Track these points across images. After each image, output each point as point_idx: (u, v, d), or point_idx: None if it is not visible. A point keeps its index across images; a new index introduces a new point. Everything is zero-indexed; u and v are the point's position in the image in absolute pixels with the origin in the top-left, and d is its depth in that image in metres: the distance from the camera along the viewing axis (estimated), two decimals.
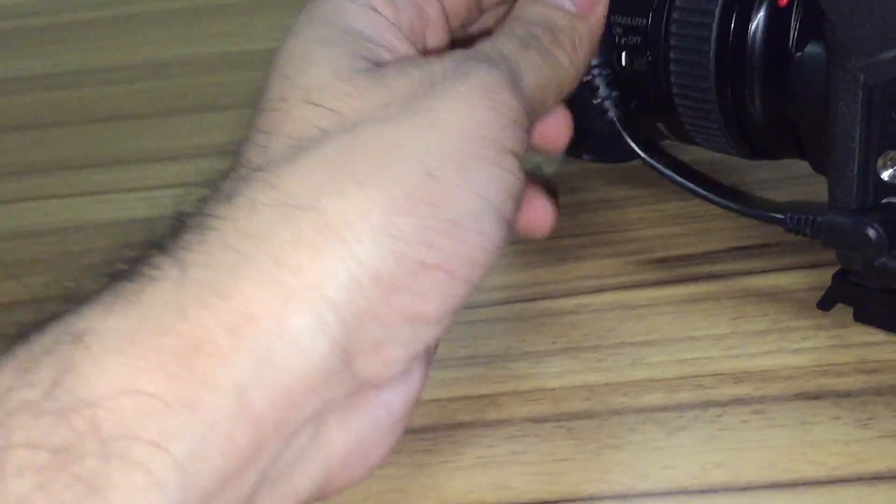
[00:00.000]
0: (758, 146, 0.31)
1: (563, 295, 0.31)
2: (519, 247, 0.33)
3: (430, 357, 0.25)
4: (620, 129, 0.27)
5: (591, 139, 0.35)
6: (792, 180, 0.34)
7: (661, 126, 0.33)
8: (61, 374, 0.18)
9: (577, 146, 0.36)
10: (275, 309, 0.19)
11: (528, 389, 0.27)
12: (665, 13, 0.30)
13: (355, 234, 0.20)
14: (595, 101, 0.27)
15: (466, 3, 0.27)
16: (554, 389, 0.27)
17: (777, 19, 0.28)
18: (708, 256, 0.32)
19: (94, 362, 0.18)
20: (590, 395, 0.27)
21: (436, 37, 0.26)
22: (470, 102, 0.22)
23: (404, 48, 0.24)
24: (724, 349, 0.28)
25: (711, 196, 0.29)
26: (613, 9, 0.31)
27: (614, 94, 0.27)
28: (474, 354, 0.29)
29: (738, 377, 0.27)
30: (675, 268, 0.32)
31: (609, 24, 0.32)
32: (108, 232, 0.39)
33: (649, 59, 0.31)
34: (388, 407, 0.22)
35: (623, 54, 0.31)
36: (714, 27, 0.29)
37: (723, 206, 0.29)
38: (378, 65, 0.23)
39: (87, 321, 0.19)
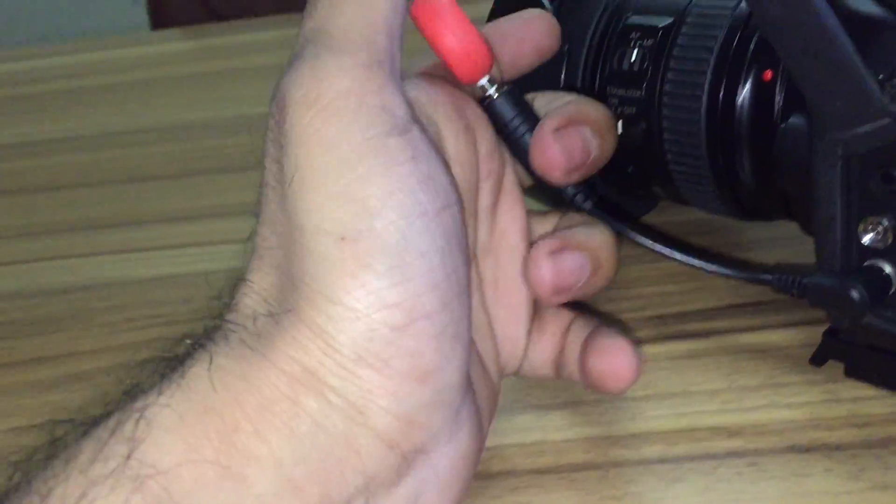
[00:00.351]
0: (749, 208, 0.33)
1: None
2: None
3: (483, 416, 0.25)
4: (599, 215, 0.28)
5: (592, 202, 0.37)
6: (784, 240, 0.36)
7: (657, 189, 0.35)
8: (131, 450, 0.20)
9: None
10: (286, 392, 0.21)
11: (532, 442, 0.29)
12: (658, 85, 0.32)
13: (323, 325, 0.21)
14: (567, 198, 0.28)
15: None
16: (556, 442, 0.29)
17: (762, 92, 0.30)
18: (704, 314, 0.33)
19: (153, 439, 0.21)
20: (591, 448, 0.28)
21: None
22: (300, 123, 0.22)
23: None
24: (720, 403, 0.29)
25: (702, 264, 0.30)
26: (610, 81, 0.33)
27: (583, 187, 0.28)
28: None
29: (732, 431, 0.28)
30: (673, 325, 0.33)
31: (605, 96, 0.34)
32: (131, 290, 0.41)
33: (644, 128, 0.33)
34: (435, 469, 0.23)
35: (619, 123, 0.33)
36: (704, 99, 0.31)
37: (714, 273, 0.30)
38: None
39: (143, 402, 0.21)
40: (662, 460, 0.27)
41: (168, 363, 0.23)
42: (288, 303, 0.22)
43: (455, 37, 0.25)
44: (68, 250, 0.45)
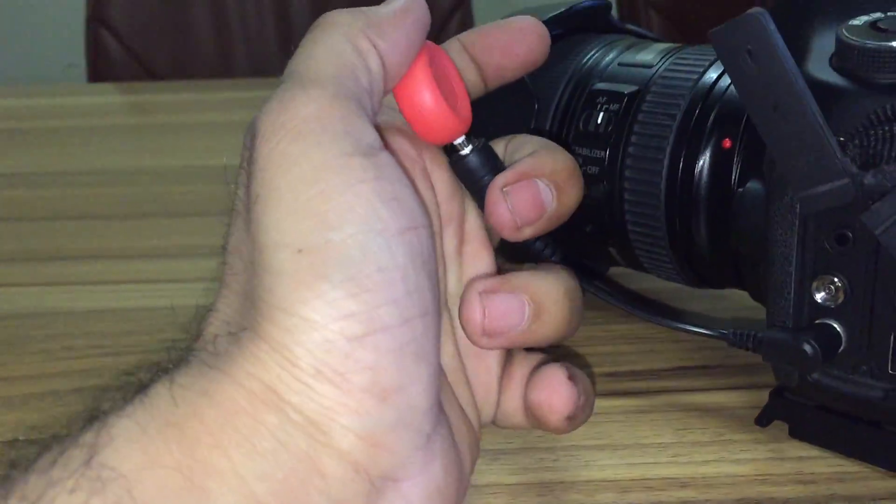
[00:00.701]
0: (702, 274, 0.34)
1: None
2: None
3: (464, 458, 0.25)
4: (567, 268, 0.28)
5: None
6: (730, 310, 0.37)
7: (613, 251, 0.36)
8: (92, 455, 0.20)
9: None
10: (247, 408, 0.21)
11: (485, 484, 0.28)
12: (621, 148, 0.33)
13: (281, 339, 0.21)
14: (534, 252, 0.29)
15: None
16: (510, 485, 0.28)
17: (721, 159, 0.31)
18: (654, 374, 0.34)
19: (114, 446, 0.20)
20: (545, 492, 0.28)
21: None
22: (284, 157, 0.22)
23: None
24: (671, 456, 0.30)
25: (660, 320, 0.31)
26: (575, 140, 0.35)
27: (550, 240, 0.29)
28: None
29: (684, 482, 0.28)
30: (624, 382, 0.34)
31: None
32: (70, 320, 0.39)
33: (605, 188, 0.34)
34: (406, 500, 0.22)
35: None
36: (665, 163, 0.32)
37: (671, 327, 0.31)
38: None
39: (105, 418, 0.21)
40: None
41: (131, 388, 0.22)
42: (247, 321, 0.22)
43: (423, 104, 0.25)
44: (5, 279, 0.43)
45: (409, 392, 0.22)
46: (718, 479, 0.28)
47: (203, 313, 0.23)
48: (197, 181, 0.57)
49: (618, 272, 0.41)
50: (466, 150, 0.27)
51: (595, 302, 0.39)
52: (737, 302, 0.37)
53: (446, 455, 0.23)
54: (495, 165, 0.28)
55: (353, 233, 0.21)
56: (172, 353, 0.23)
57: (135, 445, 0.20)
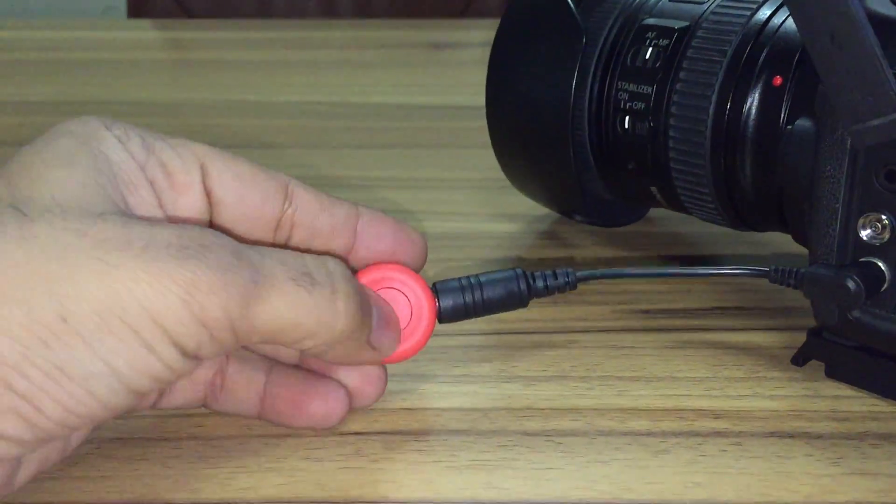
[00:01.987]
0: (744, 215, 0.34)
1: (554, 331, 0.33)
2: None
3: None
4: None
5: (584, 203, 0.38)
6: (769, 257, 0.37)
7: (654, 190, 0.36)
8: None
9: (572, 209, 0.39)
10: None
11: (520, 407, 0.29)
12: (668, 84, 0.33)
13: None
14: None
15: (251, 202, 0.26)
16: (544, 409, 0.29)
17: (771, 97, 0.31)
18: (689, 312, 0.34)
19: None
20: (578, 417, 0.28)
21: (191, 202, 0.26)
22: (160, 284, 0.21)
23: (146, 192, 0.25)
24: (705, 390, 0.30)
25: (699, 270, 0.31)
26: (622, 76, 0.34)
27: None
28: (468, 374, 0.31)
29: (717, 413, 0.28)
30: (659, 318, 0.34)
31: (616, 90, 0.35)
32: None
33: (651, 125, 0.34)
34: None
35: (626, 118, 0.34)
36: (713, 99, 0.32)
37: (712, 275, 0.31)
38: (113, 198, 0.23)
39: None
40: (649, 433, 0.28)
41: None
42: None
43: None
44: None
45: (4, 449, 0.22)
46: (752, 412, 0.29)
47: None
48: (235, 114, 0.57)
49: (654, 216, 0.41)
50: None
51: (631, 241, 0.40)
52: (778, 248, 0.37)
53: None
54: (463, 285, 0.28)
55: None
56: None
57: None
